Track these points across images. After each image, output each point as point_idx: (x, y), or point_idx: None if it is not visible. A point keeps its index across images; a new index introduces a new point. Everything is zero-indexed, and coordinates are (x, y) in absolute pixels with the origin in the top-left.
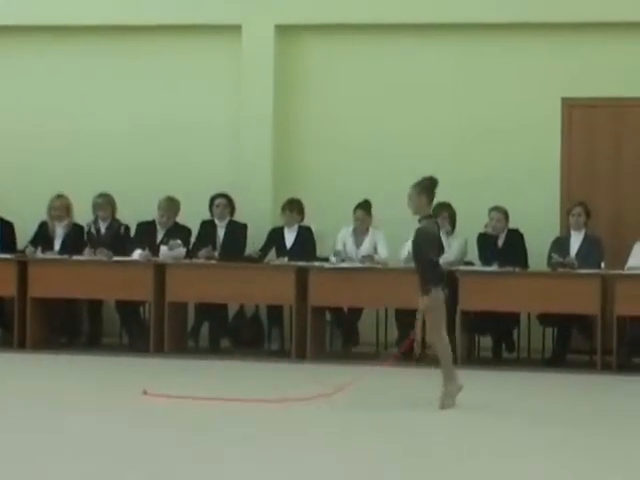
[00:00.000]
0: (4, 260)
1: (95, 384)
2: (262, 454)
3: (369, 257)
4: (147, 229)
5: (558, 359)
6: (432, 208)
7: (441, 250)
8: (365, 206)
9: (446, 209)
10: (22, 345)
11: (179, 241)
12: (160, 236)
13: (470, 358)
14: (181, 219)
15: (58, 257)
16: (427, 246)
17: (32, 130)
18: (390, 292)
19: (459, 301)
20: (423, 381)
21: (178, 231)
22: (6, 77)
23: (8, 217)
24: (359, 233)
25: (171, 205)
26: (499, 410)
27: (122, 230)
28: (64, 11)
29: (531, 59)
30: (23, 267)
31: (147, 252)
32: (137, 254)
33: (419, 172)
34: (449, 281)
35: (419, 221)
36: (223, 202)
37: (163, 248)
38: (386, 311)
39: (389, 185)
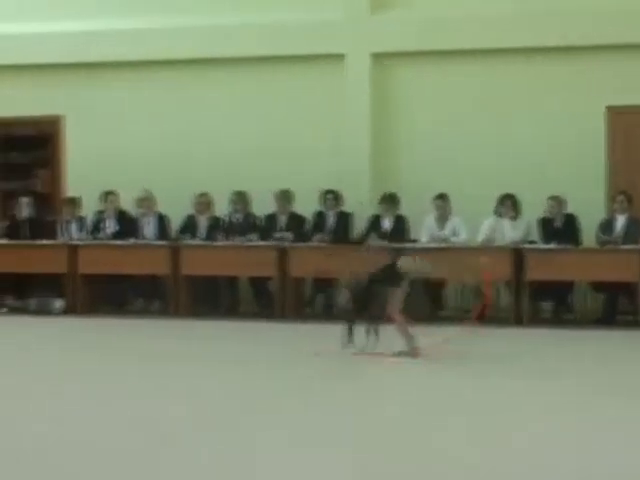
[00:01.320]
0: (160, 246)
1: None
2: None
3: (445, 239)
4: (270, 219)
5: (607, 319)
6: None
7: None
8: (441, 197)
9: (510, 198)
10: (176, 313)
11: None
12: (281, 224)
13: (534, 319)
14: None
15: (202, 243)
16: None
17: (182, 143)
18: (467, 267)
19: (525, 273)
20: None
21: (294, 219)
22: (167, 102)
23: (164, 211)
24: (441, 219)
25: (286, 197)
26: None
27: (254, 220)
28: (206, 46)
29: (579, 74)
30: (175, 251)
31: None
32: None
33: (491, 172)
34: (517, 257)
35: None
36: (332, 196)
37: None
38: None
39: (464, 182)
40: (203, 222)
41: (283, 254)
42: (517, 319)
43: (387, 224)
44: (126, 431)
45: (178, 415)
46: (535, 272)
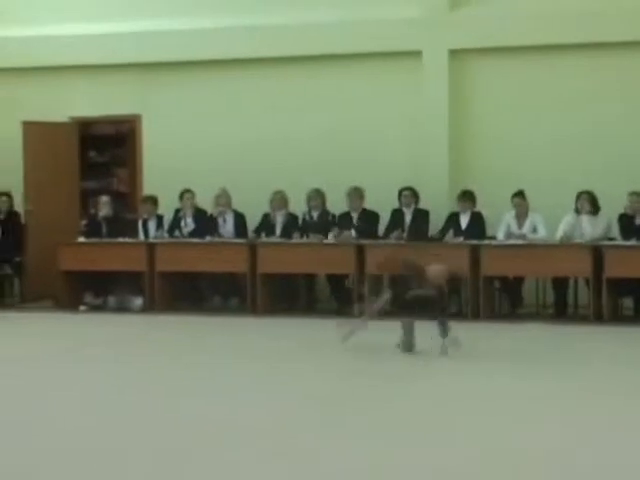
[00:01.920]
0: (238, 244)
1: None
2: None
3: (526, 236)
4: (344, 216)
5: None
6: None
7: None
8: (520, 194)
9: (587, 194)
10: (254, 310)
11: (347, 232)
12: (354, 220)
13: (615, 316)
14: (372, 207)
15: (279, 240)
16: None
17: (258, 141)
18: (547, 263)
19: (605, 270)
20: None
21: (367, 216)
22: (243, 101)
23: (241, 210)
24: (520, 216)
25: (357, 193)
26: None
27: (330, 218)
28: (284, 44)
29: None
30: (253, 249)
31: (338, 232)
32: (331, 236)
33: (568, 166)
34: (597, 255)
35: None
36: (409, 193)
37: (330, 235)
38: (544, 280)
39: (542, 177)
40: (279, 220)
41: (360, 251)
42: (597, 316)
43: (464, 221)
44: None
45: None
46: (615, 269)
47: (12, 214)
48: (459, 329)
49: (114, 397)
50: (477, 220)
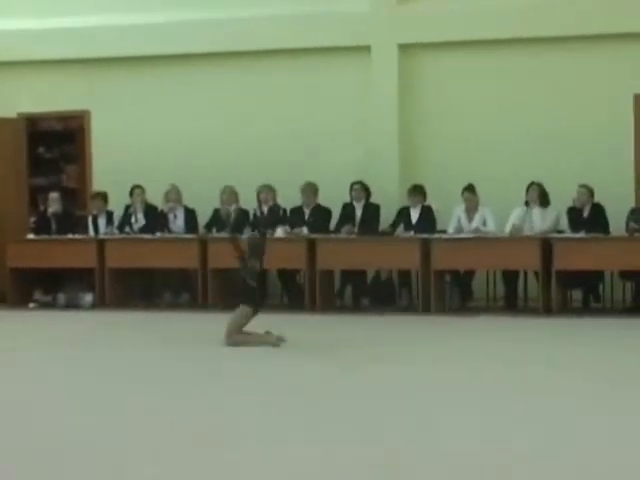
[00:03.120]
0: (189, 240)
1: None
2: None
3: (476, 230)
4: (297, 211)
5: (636, 307)
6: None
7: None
8: (470, 189)
9: (536, 186)
10: (204, 305)
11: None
12: (307, 216)
13: (564, 308)
14: (323, 202)
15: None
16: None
17: (208, 137)
18: (497, 256)
19: (554, 262)
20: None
21: (320, 211)
22: (192, 96)
23: (191, 205)
24: (470, 210)
25: (311, 189)
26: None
27: (281, 212)
28: (233, 39)
29: (604, 64)
30: (204, 244)
31: (286, 228)
32: (279, 231)
33: (518, 160)
34: (546, 247)
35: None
36: (359, 187)
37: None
38: (494, 273)
39: (493, 171)
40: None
41: (311, 247)
42: (546, 309)
43: (415, 215)
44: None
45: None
46: (563, 261)
47: None
48: (409, 322)
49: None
50: (427, 214)
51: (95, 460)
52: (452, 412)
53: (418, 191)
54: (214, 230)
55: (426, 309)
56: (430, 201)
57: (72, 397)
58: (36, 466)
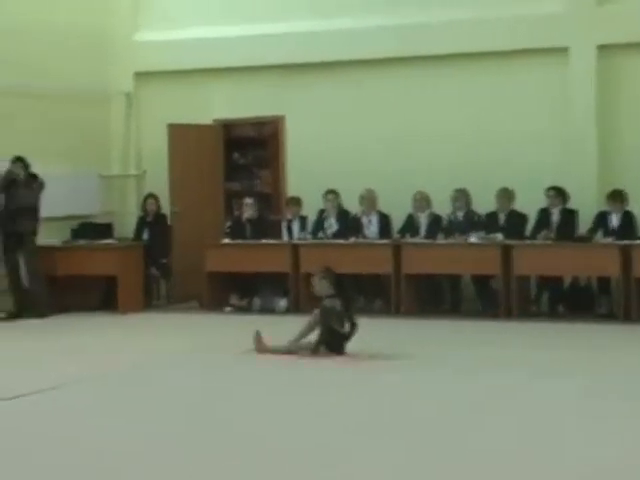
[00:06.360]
0: (383, 245)
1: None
2: None
3: None
4: (492, 216)
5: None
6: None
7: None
8: None
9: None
10: (398, 311)
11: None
12: (501, 222)
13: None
14: (519, 207)
15: (423, 241)
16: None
17: (402, 142)
18: None
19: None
20: None
21: (515, 217)
22: (387, 101)
23: (384, 210)
24: None
25: (506, 195)
26: None
27: (476, 218)
28: (434, 43)
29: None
30: (397, 250)
31: (483, 235)
32: (473, 237)
33: None
34: None
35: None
36: (554, 193)
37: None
38: None
39: None
40: (423, 220)
41: (506, 252)
42: None
43: (615, 221)
44: None
45: None
46: None
47: (159, 216)
48: (607, 331)
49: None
50: (628, 220)
51: None
52: None
53: (619, 196)
54: (407, 236)
55: (627, 317)
56: (632, 206)
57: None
58: None
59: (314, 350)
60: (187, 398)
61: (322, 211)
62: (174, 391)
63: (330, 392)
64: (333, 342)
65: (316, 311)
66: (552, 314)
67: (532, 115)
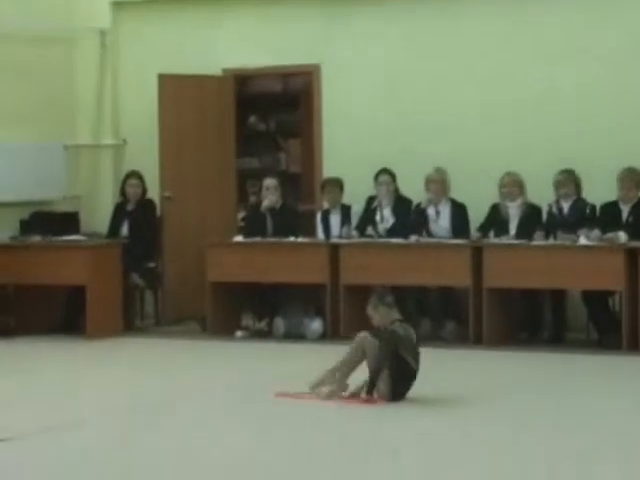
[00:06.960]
0: (458, 246)
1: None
2: None
3: None
4: (609, 209)
5: None
6: None
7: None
8: None
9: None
10: (478, 340)
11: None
12: (624, 216)
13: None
14: None
15: (514, 242)
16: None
17: (490, 104)
18: None
19: None
20: None
21: None
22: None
23: (459, 198)
24: None
25: (631, 176)
26: None
27: (588, 210)
28: None
29: None
30: (478, 253)
31: (598, 234)
32: (583, 238)
33: None
34: None
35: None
36: None
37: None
38: None
39: None
40: (513, 213)
41: (632, 258)
42: None
43: None
44: None
45: None
46: None
47: (145, 204)
48: None
49: None
50: None
51: None
52: None
53: None
54: (492, 234)
55: None
56: None
57: None
58: None
59: (368, 391)
60: None
61: (372, 199)
62: None
63: None
64: (399, 381)
65: (363, 334)
66: None
67: None
